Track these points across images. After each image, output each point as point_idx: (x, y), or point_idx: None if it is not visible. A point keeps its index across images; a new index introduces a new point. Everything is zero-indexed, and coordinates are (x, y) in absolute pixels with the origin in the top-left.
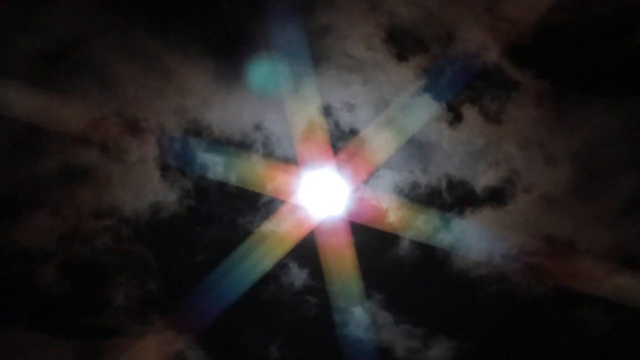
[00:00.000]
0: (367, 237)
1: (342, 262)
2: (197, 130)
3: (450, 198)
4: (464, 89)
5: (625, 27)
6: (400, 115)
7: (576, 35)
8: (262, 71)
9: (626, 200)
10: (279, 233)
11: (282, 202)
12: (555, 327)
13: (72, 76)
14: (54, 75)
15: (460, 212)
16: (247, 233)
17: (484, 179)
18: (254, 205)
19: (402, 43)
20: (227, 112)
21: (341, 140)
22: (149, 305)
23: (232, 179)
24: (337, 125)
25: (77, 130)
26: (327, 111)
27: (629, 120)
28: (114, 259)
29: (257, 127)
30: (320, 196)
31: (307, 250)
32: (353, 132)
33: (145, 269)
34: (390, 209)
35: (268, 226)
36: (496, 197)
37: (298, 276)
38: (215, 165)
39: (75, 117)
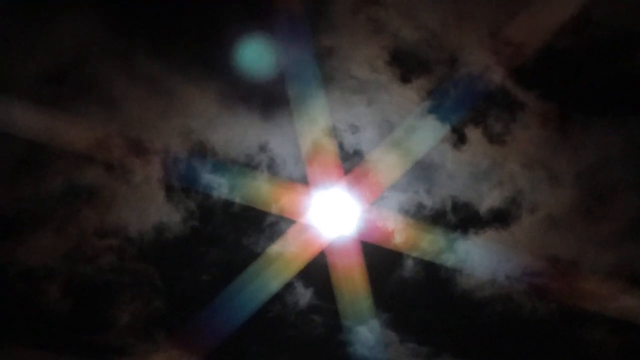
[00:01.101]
0: (373, 257)
1: (349, 281)
2: (202, 151)
3: (456, 218)
4: (468, 111)
5: (629, 50)
6: (405, 136)
7: (579, 58)
8: (266, 92)
9: (631, 220)
10: (284, 253)
11: (289, 222)
12: (560, 348)
13: (76, 97)
14: (58, 96)
15: (466, 232)
16: (253, 253)
17: (489, 200)
18: (259, 225)
19: (406, 65)
20: (232, 133)
21: (346, 162)
22: (154, 324)
23: (237, 199)
24: (341, 146)
25: (81, 150)
26: (331, 132)
27: (632, 141)
28: (119, 277)
29: (262, 148)
30: (326, 217)
31: (313, 270)
32: (357, 153)
33: (151, 288)
34: (395, 230)
35: (273, 246)
36: (501, 217)
37: (305, 295)
38: (221, 186)
39: (79, 137)
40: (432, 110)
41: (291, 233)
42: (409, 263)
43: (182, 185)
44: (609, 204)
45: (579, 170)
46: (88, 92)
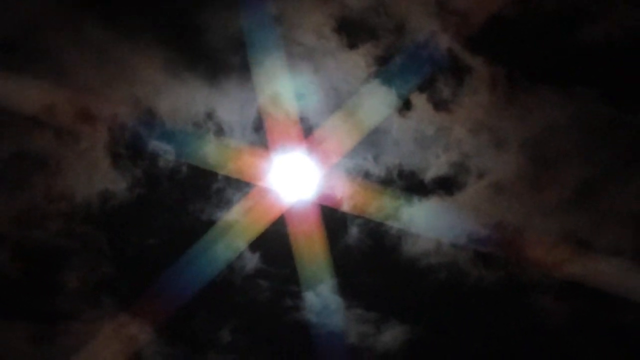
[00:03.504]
0: (319, 224)
1: (297, 247)
2: (151, 118)
3: (404, 185)
4: (417, 77)
5: (576, 21)
6: (352, 103)
7: (526, 27)
8: (213, 59)
9: (576, 187)
10: (231, 219)
11: (235, 188)
12: (506, 314)
13: (25, 64)
14: (8, 62)
15: (413, 199)
16: (200, 219)
17: (439, 165)
18: (207, 191)
19: (353, 32)
20: (179, 101)
21: (292, 129)
22: (103, 289)
23: (185, 166)
24: (287, 113)
25: (30, 116)
26: (277, 99)
27: (578, 110)
28: (67, 242)
29: (209, 114)
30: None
31: (259, 236)
32: (303, 120)
33: (99, 253)
34: (342, 197)
35: (218, 213)
36: (457, 182)
37: (252, 261)
38: (169, 153)
39: (28, 103)
40: (379, 77)
41: (238, 199)
42: (358, 229)
43: (129, 152)
44: (555, 171)
45: (525, 138)
46: (37, 59)
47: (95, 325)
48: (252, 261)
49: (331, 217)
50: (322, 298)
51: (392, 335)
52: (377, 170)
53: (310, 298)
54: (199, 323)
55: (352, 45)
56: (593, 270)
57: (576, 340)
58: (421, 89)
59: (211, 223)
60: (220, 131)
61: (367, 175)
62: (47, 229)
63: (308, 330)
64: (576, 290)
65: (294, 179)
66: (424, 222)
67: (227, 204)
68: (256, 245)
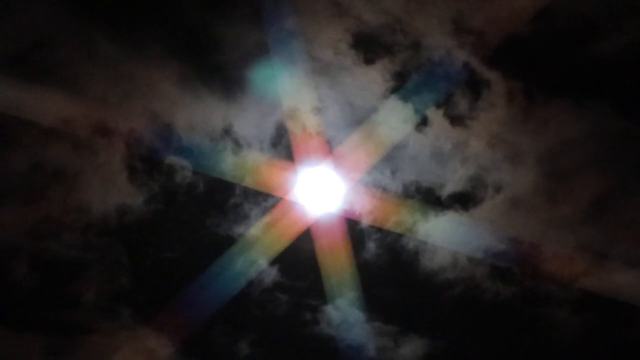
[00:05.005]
0: (338, 238)
1: (313, 261)
2: (168, 132)
3: (425, 199)
4: (433, 92)
5: (590, 36)
6: (369, 119)
7: (540, 45)
8: (229, 74)
9: (592, 201)
10: (246, 233)
11: (253, 202)
12: (523, 327)
13: (41, 78)
14: (24, 76)
15: (434, 213)
16: (216, 233)
17: (456, 180)
18: (223, 206)
19: (369, 48)
20: (196, 115)
21: (308, 143)
22: (120, 301)
23: (202, 179)
24: (304, 128)
25: (47, 129)
26: (293, 114)
27: (594, 124)
28: (84, 254)
29: (226, 130)
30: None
31: (275, 249)
32: (320, 135)
33: (117, 265)
34: (361, 211)
35: (235, 226)
36: (474, 197)
37: (269, 274)
38: (185, 168)
39: (44, 117)
40: (396, 93)
41: (254, 213)
42: (376, 244)
43: (146, 166)
44: (571, 184)
45: (541, 151)
46: (55, 73)
47: (112, 338)
48: (271, 274)
49: (348, 231)
50: (341, 311)
51: (410, 349)
52: (395, 186)
53: (330, 311)
54: (218, 336)
55: (369, 60)
56: (610, 282)
57: (594, 353)
58: (438, 104)
59: (227, 236)
60: (237, 145)
61: (384, 190)
62: (64, 241)
63: (327, 344)
64: (593, 303)
65: (309, 194)
66: (442, 236)
67: (243, 218)
68: (274, 258)
